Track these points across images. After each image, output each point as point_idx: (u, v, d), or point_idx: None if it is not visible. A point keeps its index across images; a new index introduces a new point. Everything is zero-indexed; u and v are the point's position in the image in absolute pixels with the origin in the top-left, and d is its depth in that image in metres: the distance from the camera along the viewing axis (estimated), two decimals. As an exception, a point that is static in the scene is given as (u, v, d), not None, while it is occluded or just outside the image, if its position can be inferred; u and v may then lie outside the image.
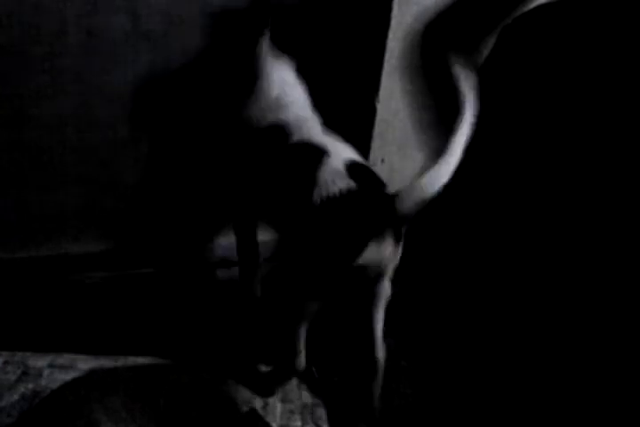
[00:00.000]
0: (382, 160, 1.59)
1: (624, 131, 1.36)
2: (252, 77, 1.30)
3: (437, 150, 1.05)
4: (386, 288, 1.16)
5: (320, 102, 1.49)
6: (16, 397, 1.19)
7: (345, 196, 1.06)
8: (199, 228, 1.78)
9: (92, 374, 1.19)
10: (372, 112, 1.54)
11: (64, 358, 1.30)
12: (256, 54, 1.30)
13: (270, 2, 1.31)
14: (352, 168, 1.11)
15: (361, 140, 1.58)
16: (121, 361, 1.30)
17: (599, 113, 1.42)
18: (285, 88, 1.30)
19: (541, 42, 1.57)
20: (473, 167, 1.67)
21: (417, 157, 1.63)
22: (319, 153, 1.14)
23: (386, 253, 1.07)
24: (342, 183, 1.07)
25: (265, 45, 1.30)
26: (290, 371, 1.21)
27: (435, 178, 1.01)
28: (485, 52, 1.61)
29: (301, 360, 1.18)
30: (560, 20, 1.54)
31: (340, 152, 1.16)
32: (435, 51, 1.56)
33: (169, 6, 1.44)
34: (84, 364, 1.28)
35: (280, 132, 1.23)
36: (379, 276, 1.12)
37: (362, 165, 1.18)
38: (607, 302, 1.33)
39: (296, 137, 1.20)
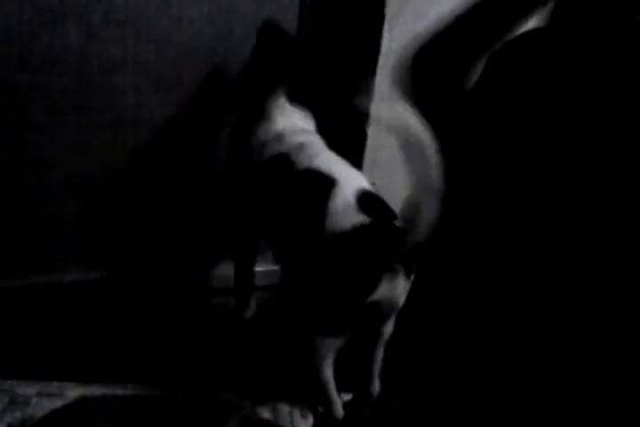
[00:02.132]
0: (373, 183, 1.59)
1: (611, 152, 1.37)
2: (260, 115, 1.37)
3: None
4: (390, 327, 1.13)
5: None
6: (2, 426, 1.16)
7: (357, 230, 1.01)
8: (196, 255, 1.80)
9: (80, 402, 1.17)
10: (362, 137, 1.55)
11: (52, 386, 1.29)
12: (270, 102, 1.38)
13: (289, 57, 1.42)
14: (363, 200, 1.07)
15: (352, 165, 1.60)
16: (110, 389, 1.28)
17: (587, 135, 1.44)
18: (290, 125, 1.34)
19: (529, 66, 1.59)
20: (470, 178, 1.70)
21: (407, 179, 1.63)
22: (328, 182, 1.10)
23: (399, 288, 1.03)
24: (355, 217, 1.02)
25: (280, 97, 1.39)
26: (328, 420, 1.12)
27: (432, 210, 0.94)
28: (474, 76, 1.64)
29: (339, 408, 1.11)
30: (548, 45, 1.57)
31: (350, 181, 1.13)
32: (424, 76, 1.59)
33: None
34: (73, 392, 1.27)
35: (283, 160, 1.21)
36: (390, 313, 1.08)
37: (372, 195, 1.13)
38: (607, 304, 1.33)
39: (302, 165, 1.18)
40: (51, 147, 1.54)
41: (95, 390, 1.28)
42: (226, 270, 1.74)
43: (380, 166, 1.61)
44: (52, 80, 1.48)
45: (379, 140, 1.57)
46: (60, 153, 1.55)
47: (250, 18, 1.59)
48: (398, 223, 1.05)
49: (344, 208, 1.05)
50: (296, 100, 1.41)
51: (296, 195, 1.16)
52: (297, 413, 1.30)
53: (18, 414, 1.20)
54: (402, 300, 1.06)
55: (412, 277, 1.07)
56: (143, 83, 1.56)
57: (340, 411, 1.10)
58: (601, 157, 1.39)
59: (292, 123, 1.35)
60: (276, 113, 1.36)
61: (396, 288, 1.02)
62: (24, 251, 1.62)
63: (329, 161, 1.20)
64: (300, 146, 1.24)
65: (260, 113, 1.38)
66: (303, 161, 1.18)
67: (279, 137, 1.29)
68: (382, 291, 1.00)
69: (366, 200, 1.08)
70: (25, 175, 1.54)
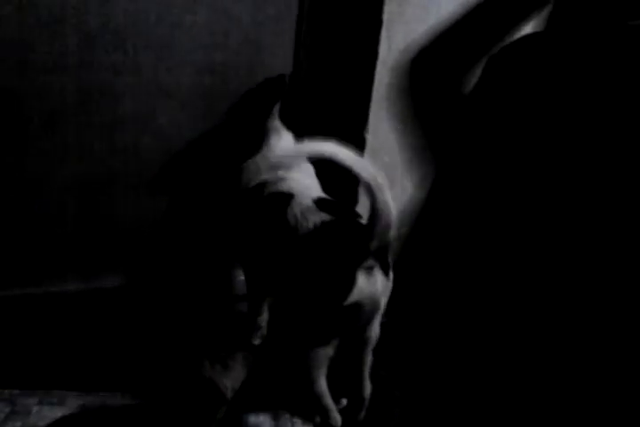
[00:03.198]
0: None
1: (608, 154, 1.38)
2: (257, 144, 1.42)
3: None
4: (376, 332, 1.14)
5: (312, 133, 1.52)
6: (3, 435, 1.17)
7: (320, 228, 1.04)
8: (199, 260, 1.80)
9: (80, 413, 1.17)
10: (361, 142, 1.55)
11: (53, 396, 1.29)
12: (266, 126, 1.43)
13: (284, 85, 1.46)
14: (322, 203, 1.11)
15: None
16: (109, 399, 1.28)
17: (584, 137, 1.44)
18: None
19: (527, 70, 1.59)
20: (469, 177, 1.71)
21: (406, 184, 1.64)
22: (285, 197, 1.15)
23: (377, 286, 1.02)
24: (314, 217, 1.06)
25: (274, 119, 1.43)
26: None
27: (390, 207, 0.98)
28: (473, 80, 1.64)
29: (336, 417, 1.12)
30: (545, 50, 1.57)
31: (309, 193, 1.17)
32: (422, 80, 1.59)
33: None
34: (74, 401, 1.27)
35: (260, 189, 1.26)
36: (372, 315, 1.07)
37: (332, 200, 1.17)
38: (607, 302, 1.34)
39: (267, 191, 1.23)
40: (50, 153, 1.54)
41: (95, 400, 1.28)
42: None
43: (379, 171, 1.61)
44: (51, 85, 1.47)
45: (377, 146, 1.57)
46: (60, 159, 1.55)
47: (248, 23, 1.60)
48: (362, 221, 1.08)
49: (302, 211, 1.08)
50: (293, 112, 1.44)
51: (260, 216, 1.21)
52: (298, 420, 1.31)
53: (19, 424, 1.20)
54: (383, 300, 1.06)
55: (392, 276, 1.06)
56: (142, 88, 1.56)
57: (337, 419, 1.12)
58: (597, 159, 1.40)
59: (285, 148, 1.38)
60: (272, 139, 1.41)
61: (375, 286, 1.02)
62: (24, 254, 1.61)
63: (291, 182, 1.24)
64: (279, 176, 1.27)
65: (259, 138, 1.42)
66: (271, 188, 1.24)
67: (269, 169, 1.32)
68: (361, 289, 0.99)
69: (326, 203, 1.12)
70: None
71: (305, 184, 1.24)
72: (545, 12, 1.58)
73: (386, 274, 1.04)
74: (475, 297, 1.70)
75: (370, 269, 1.01)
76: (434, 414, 1.37)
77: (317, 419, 1.12)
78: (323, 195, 1.19)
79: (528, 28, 1.58)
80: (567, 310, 1.43)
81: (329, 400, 1.11)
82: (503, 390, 1.42)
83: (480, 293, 1.69)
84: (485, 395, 1.42)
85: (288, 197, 1.14)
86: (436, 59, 1.57)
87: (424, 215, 1.70)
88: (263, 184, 1.25)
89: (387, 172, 1.59)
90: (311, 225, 1.05)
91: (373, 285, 1.01)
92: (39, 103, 1.48)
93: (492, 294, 1.65)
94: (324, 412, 1.11)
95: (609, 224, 1.36)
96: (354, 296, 0.99)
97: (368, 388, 1.20)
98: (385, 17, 1.46)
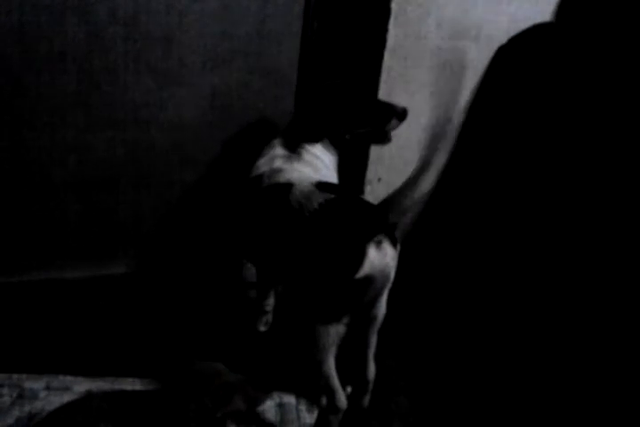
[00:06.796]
0: (379, 179, 1.60)
1: (616, 147, 1.38)
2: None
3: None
4: (382, 310, 1.14)
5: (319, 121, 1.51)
6: (11, 420, 1.18)
7: (326, 207, 1.06)
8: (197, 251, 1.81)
9: (88, 398, 1.18)
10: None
11: (60, 381, 1.30)
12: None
13: None
14: (323, 186, 1.13)
15: (359, 161, 1.60)
16: (116, 384, 1.29)
17: (593, 128, 1.44)
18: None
19: (535, 61, 1.59)
20: (475, 173, 1.71)
21: (408, 173, 1.64)
22: (284, 187, 1.16)
23: (387, 258, 1.04)
24: (318, 197, 1.08)
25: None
26: (332, 411, 1.13)
27: (419, 185, 1.01)
28: (481, 70, 1.63)
29: (342, 399, 1.11)
30: (553, 40, 1.57)
31: (307, 179, 1.18)
32: (431, 71, 1.59)
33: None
34: (80, 386, 1.28)
35: (258, 182, 1.26)
36: (382, 287, 1.09)
37: (332, 183, 1.19)
38: (607, 302, 1.34)
39: (266, 183, 1.24)
40: (52, 146, 1.54)
41: (103, 385, 1.29)
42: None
43: (385, 162, 1.62)
44: (54, 80, 1.47)
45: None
46: (62, 153, 1.55)
47: (256, 13, 1.59)
48: (365, 198, 1.10)
49: (304, 195, 1.10)
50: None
51: (263, 207, 1.22)
52: (303, 407, 1.31)
53: (27, 408, 1.21)
54: (392, 272, 1.07)
55: (399, 248, 1.08)
56: (147, 82, 1.56)
57: (343, 401, 1.11)
58: (606, 150, 1.40)
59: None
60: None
61: (385, 259, 1.03)
62: (26, 248, 1.63)
63: (291, 173, 1.24)
64: (275, 167, 1.28)
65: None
66: (267, 181, 1.25)
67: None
68: (371, 262, 1.00)
69: (327, 186, 1.14)
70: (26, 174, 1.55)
71: (303, 172, 1.25)
72: (554, 2, 1.57)
73: (394, 247, 1.06)
74: (481, 290, 1.70)
75: (379, 243, 1.02)
76: (438, 405, 1.38)
77: (323, 401, 1.12)
78: (323, 180, 1.20)
79: (537, 18, 1.57)
80: (568, 295, 1.43)
81: (336, 381, 1.11)
82: (509, 383, 1.42)
83: (487, 285, 1.69)
84: (490, 388, 1.42)
85: (287, 187, 1.16)
86: (444, 48, 1.56)
87: (430, 206, 1.70)
88: (260, 177, 1.27)
89: (391, 162, 1.61)
90: (316, 205, 1.07)
91: (383, 258, 1.03)
92: (43, 96, 1.48)
93: (498, 287, 1.65)
94: (331, 393, 1.10)
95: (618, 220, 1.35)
96: (365, 269, 1.00)
97: (373, 371, 1.20)
98: (394, 6, 1.45)
